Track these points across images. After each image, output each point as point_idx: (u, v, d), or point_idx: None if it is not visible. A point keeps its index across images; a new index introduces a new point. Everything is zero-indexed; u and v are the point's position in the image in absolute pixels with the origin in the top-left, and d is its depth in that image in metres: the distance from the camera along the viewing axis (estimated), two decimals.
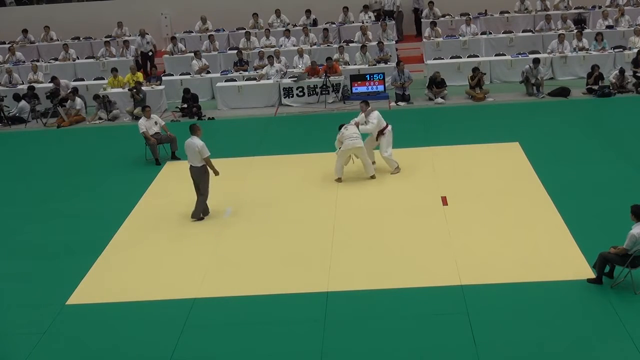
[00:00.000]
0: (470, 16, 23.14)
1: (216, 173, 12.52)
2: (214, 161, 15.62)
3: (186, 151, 12.56)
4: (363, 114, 14.26)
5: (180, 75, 21.62)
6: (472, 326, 9.01)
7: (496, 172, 14.04)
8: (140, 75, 20.68)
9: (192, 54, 22.01)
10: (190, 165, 12.52)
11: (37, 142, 18.46)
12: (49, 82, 20.97)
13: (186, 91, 19.68)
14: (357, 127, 13.96)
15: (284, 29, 23.66)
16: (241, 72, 21.18)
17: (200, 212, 12.64)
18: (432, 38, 22.68)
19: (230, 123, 18.94)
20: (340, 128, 14.06)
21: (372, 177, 13.99)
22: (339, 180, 13.93)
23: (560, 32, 21.52)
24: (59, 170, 16.01)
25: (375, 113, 14.19)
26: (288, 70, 20.88)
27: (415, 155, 14.99)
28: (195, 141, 12.37)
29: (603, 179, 13.34)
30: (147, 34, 23.72)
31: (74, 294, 10.47)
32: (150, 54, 23.42)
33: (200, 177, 12.47)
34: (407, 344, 8.79)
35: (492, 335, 8.84)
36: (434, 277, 10.24)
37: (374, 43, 22.08)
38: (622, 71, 19.12)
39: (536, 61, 19.21)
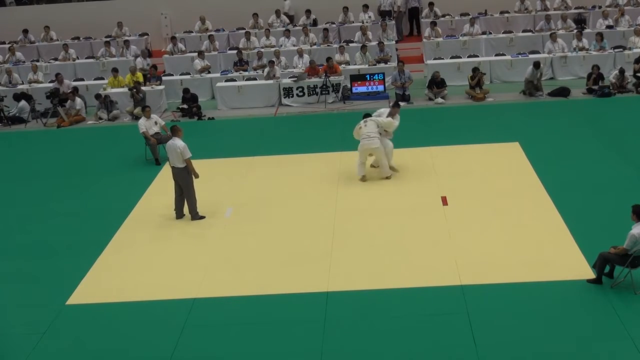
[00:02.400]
0: (471, 16, 23.15)
1: (196, 176, 12.46)
2: (214, 161, 15.60)
3: (168, 153, 12.56)
4: (389, 111, 14.26)
5: (180, 75, 21.63)
6: (472, 326, 9.01)
7: (496, 172, 14.03)
8: (140, 75, 20.69)
9: (196, 54, 22.00)
10: (172, 167, 12.52)
11: (37, 142, 18.46)
12: (50, 82, 21.00)
13: (186, 91, 19.68)
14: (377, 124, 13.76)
15: (284, 29, 23.68)
16: (241, 72, 21.19)
17: (196, 211, 12.59)
18: (432, 38, 22.69)
19: (230, 123, 18.94)
20: (364, 117, 13.99)
21: (387, 177, 13.87)
22: (362, 179, 13.83)
23: (552, 32, 21.47)
24: (59, 170, 16.00)
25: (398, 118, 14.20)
26: (287, 70, 20.92)
27: (415, 155, 14.99)
28: (177, 142, 12.37)
29: (603, 179, 13.34)
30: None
31: (74, 294, 10.46)
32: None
33: (183, 179, 12.45)
34: (407, 344, 8.79)
35: (492, 335, 8.84)
36: (434, 277, 10.23)
37: (374, 43, 22.09)
38: (622, 71, 19.12)
39: (536, 65, 19.12)
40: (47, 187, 14.95)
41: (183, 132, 12.67)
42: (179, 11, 25.77)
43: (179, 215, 12.70)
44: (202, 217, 12.63)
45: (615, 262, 9.60)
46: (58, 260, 11.61)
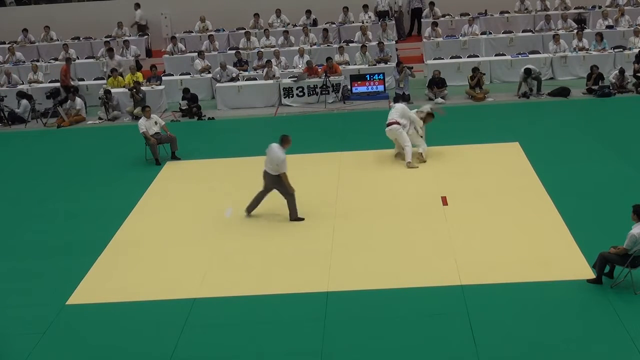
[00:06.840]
0: (471, 16, 23.16)
1: (291, 190, 12.19)
2: (214, 161, 15.58)
3: (267, 154, 12.22)
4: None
5: (180, 75, 21.63)
6: (472, 326, 9.01)
7: (496, 172, 14.03)
8: (140, 75, 20.69)
9: (196, 54, 22.01)
10: (265, 170, 12.25)
11: (37, 142, 18.46)
12: (50, 82, 20.95)
13: (185, 91, 19.67)
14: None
15: (284, 29, 23.67)
16: (241, 72, 21.18)
17: (296, 211, 12.35)
18: (432, 38, 22.69)
19: (230, 123, 18.94)
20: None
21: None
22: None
23: (555, 33, 21.45)
24: (59, 170, 16.00)
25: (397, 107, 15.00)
26: (287, 70, 20.93)
27: (415, 156, 14.97)
28: (279, 154, 11.99)
29: (603, 179, 13.34)
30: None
31: (74, 294, 10.45)
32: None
33: (276, 184, 12.22)
34: (407, 344, 8.79)
35: (492, 335, 8.84)
36: (434, 277, 10.23)
37: (374, 43, 22.09)
38: (622, 71, 19.13)
39: (527, 72, 19.00)
40: (47, 187, 14.95)
41: (291, 144, 12.27)
42: (179, 11, 25.76)
43: (249, 212, 12.55)
44: (302, 219, 12.36)
45: (615, 262, 9.60)
46: (58, 260, 11.60)
